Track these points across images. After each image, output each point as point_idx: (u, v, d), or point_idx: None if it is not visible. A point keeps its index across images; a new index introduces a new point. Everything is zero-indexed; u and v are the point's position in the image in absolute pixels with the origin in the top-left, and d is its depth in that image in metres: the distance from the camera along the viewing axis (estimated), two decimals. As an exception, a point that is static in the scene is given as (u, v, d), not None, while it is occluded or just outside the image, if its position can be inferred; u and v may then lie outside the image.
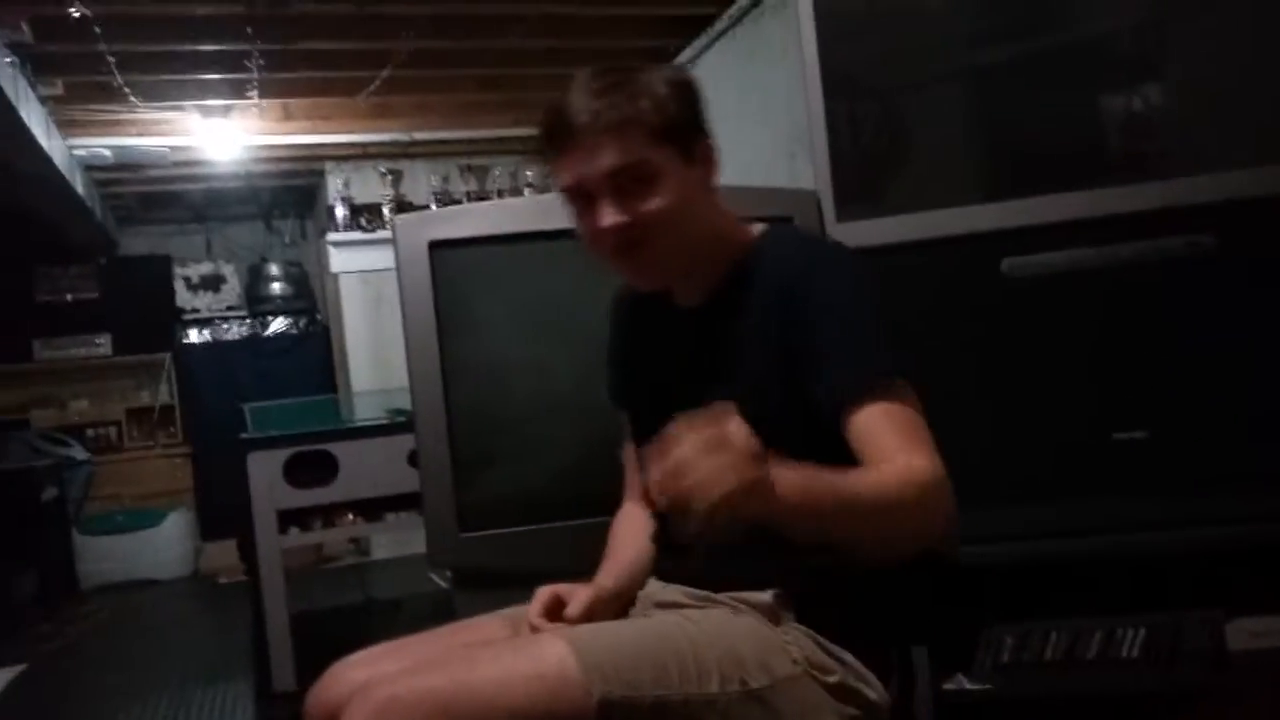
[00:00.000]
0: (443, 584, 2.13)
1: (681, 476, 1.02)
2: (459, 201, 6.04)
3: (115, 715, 3.62)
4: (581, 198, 1.33)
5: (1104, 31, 1.95)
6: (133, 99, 4.44)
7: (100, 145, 5.07)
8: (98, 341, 6.76)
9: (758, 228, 1.43)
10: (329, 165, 6.18)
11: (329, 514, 3.71)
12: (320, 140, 5.53)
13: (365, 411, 4.78)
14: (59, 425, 6.58)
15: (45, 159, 4.34)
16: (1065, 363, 1.88)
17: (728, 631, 1.26)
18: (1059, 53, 1.95)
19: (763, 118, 3.89)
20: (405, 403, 2.19)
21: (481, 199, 6.07)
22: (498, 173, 6.26)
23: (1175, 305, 1.82)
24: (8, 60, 3.64)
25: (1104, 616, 1.83)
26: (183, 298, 7.12)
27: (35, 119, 4.09)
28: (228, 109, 4.88)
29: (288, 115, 5.14)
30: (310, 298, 7.26)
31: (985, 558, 1.74)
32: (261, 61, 4.18)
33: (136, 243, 7.29)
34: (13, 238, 6.00)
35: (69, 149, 4.97)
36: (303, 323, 7.16)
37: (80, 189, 5.26)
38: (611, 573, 1.47)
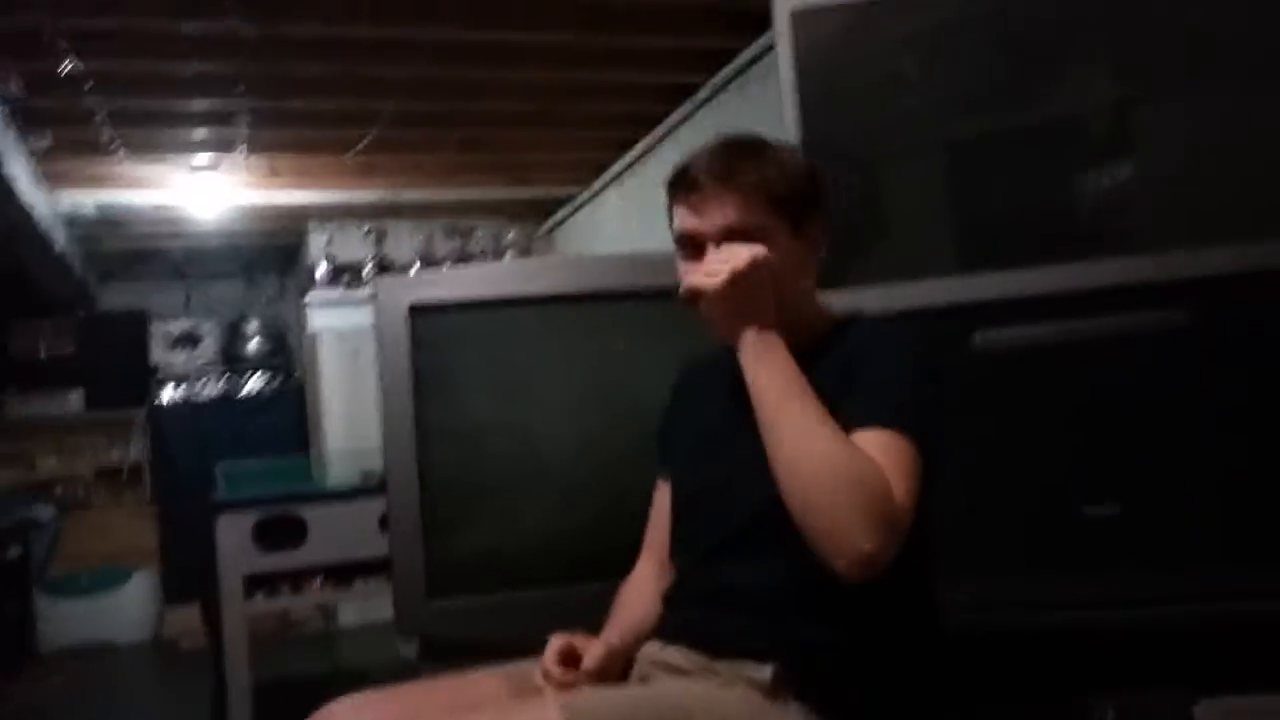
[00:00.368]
0: (410, 652, 2.09)
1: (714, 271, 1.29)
2: (442, 262, 6.06)
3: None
4: (691, 246, 1.41)
5: (1077, 109, 1.98)
6: (121, 154, 4.45)
7: (84, 199, 5.06)
8: (70, 398, 6.66)
9: (842, 315, 1.48)
10: (312, 223, 6.19)
11: (297, 579, 3.64)
12: (305, 198, 5.55)
13: (338, 471, 4.72)
14: (26, 483, 6.47)
15: (26, 212, 4.33)
16: (1037, 436, 1.88)
17: (721, 707, 1.26)
18: (1033, 129, 1.97)
19: (745, 186, 3.92)
20: (379, 463, 2.16)
21: (464, 259, 6.10)
22: (480, 234, 6.29)
23: (1148, 380, 1.82)
24: (-3, 113, 3.65)
25: (1073, 696, 1.80)
26: (159, 354, 7.06)
27: (20, 172, 4.09)
28: (214, 165, 4.89)
29: (274, 172, 5.16)
30: (287, 356, 7.23)
31: (958, 631, 1.71)
32: (250, 119, 4.20)
33: (115, 298, 7.25)
34: (-13, 290, 5.96)
35: (53, 202, 4.95)
36: (278, 381, 7.12)
37: (61, 243, 5.23)
38: (617, 630, 1.48)
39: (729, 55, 3.88)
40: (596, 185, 5.54)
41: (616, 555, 1.89)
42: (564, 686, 1.36)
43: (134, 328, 6.97)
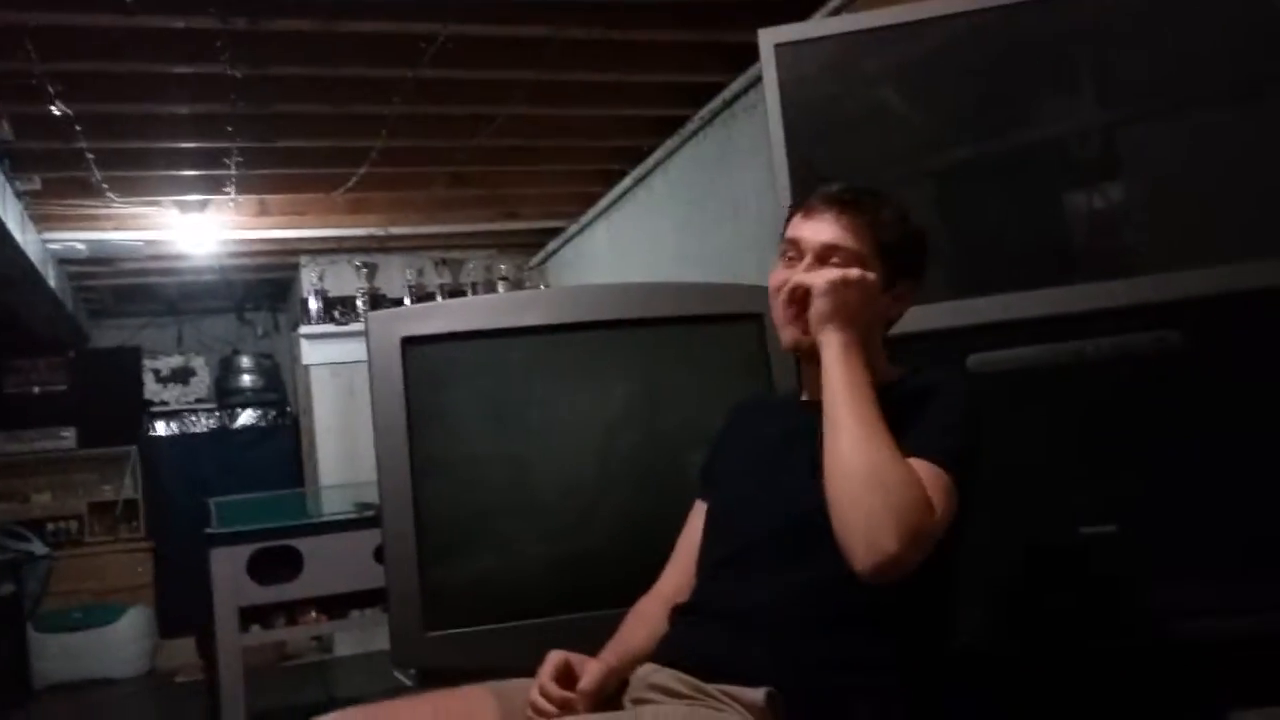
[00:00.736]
0: (407, 682, 2.09)
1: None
2: (433, 294, 6.09)
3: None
4: (793, 253, 1.49)
5: (1066, 132, 2.01)
6: (110, 194, 4.48)
7: (75, 239, 5.08)
8: (63, 434, 6.67)
9: (906, 370, 1.54)
10: (304, 258, 6.22)
11: (292, 611, 3.64)
12: (296, 235, 5.57)
13: (333, 505, 4.73)
14: (19, 519, 6.45)
15: (19, 252, 4.35)
16: (1032, 459, 1.90)
17: None
18: (1022, 153, 2.00)
19: (732, 215, 3.96)
20: (374, 496, 2.17)
21: (456, 292, 6.12)
22: (471, 266, 6.32)
23: (1142, 401, 1.84)
24: (-14, 156, 3.68)
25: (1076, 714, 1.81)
26: (151, 390, 7.07)
27: (10, 214, 4.11)
28: (204, 204, 4.91)
29: (264, 210, 5.19)
30: (280, 390, 7.23)
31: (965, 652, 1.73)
32: (240, 159, 4.23)
33: (107, 335, 7.26)
34: (-19, 330, 5.98)
35: (43, 243, 4.98)
36: (271, 415, 7.12)
37: (53, 282, 5.25)
38: (617, 652, 1.50)
39: (716, 89, 3.93)
40: (586, 218, 5.58)
41: (612, 584, 1.90)
42: (560, 705, 1.37)
43: (126, 364, 6.98)
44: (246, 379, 7.14)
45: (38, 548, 6.29)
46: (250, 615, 3.53)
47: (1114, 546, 1.82)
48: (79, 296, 6.50)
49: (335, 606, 3.67)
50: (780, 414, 1.63)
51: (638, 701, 1.40)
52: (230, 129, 3.87)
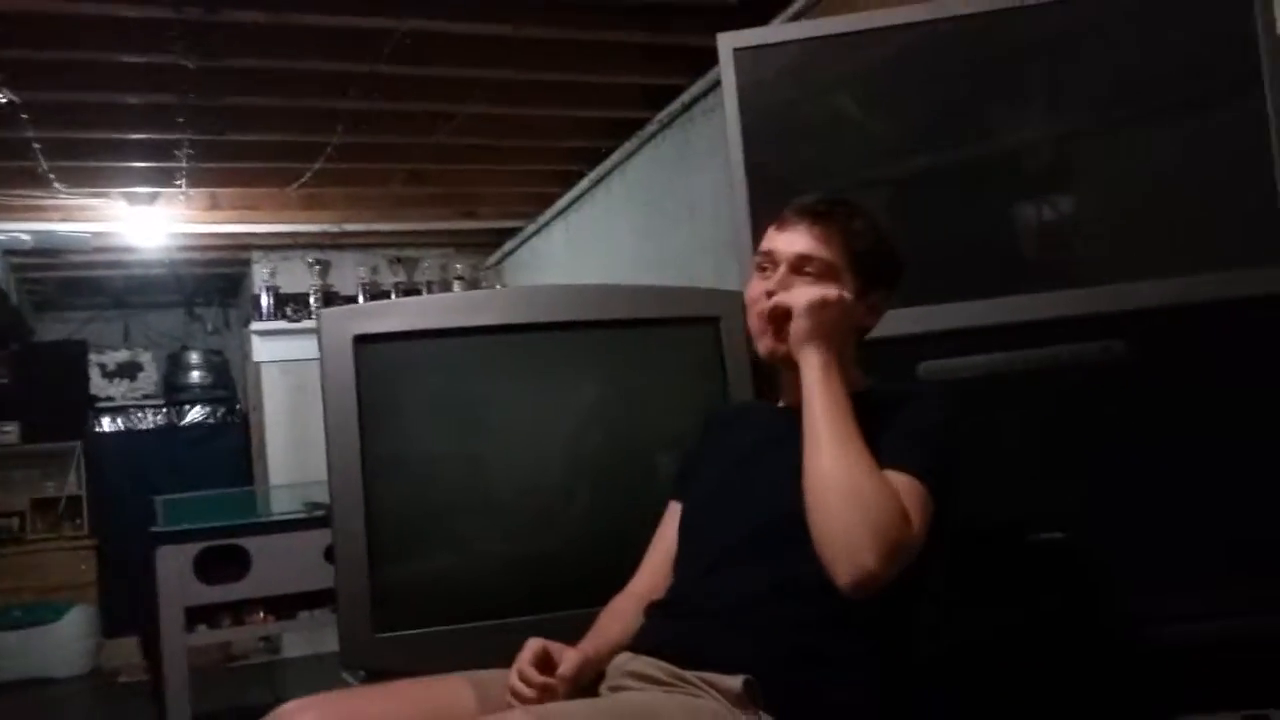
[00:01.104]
0: (355, 684, 2.07)
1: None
2: (387, 293, 6.05)
3: (0, 826, 3.43)
4: (766, 265, 1.52)
5: (1018, 145, 2.03)
6: (57, 185, 4.40)
7: (19, 230, 4.98)
8: (5, 429, 6.52)
9: (878, 383, 1.57)
10: (256, 254, 6.14)
11: (239, 611, 3.60)
12: (248, 229, 5.50)
13: (282, 504, 4.67)
14: (-42, 516, 6.33)
15: (-41, 242, 4.26)
16: (980, 465, 1.91)
17: (690, 714, 1.29)
18: (976, 163, 2.03)
19: (689, 218, 3.97)
20: (324, 496, 2.14)
21: (410, 291, 6.08)
22: (427, 265, 6.28)
23: (1088, 409, 1.87)
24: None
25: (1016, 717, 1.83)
26: (97, 385, 6.95)
27: (-47, 201, 4.03)
28: (154, 197, 4.84)
29: (215, 204, 5.12)
30: (230, 387, 7.14)
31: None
32: (191, 151, 4.18)
33: (52, 328, 7.13)
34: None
35: (-14, 233, 4.88)
36: (221, 412, 7.02)
37: (-5, 273, 5.16)
38: (595, 642, 1.51)
39: (675, 91, 3.94)
40: (543, 218, 5.57)
41: (566, 586, 1.90)
42: (539, 690, 1.39)
43: (72, 358, 6.86)
44: (195, 375, 7.04)
45: (-23, 545, 6.17)
46: (196, 615, 3.48)
47: (1063, 553, 1.85)
48: (23, 289, 6.37)
49: (283, 607, 3.63)
50: (757, 420, 1.66)
51: (615, 689, 1.41)
52: (181, 120, 3.81)
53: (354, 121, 3.95)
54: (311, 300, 5.97)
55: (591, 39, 3.51)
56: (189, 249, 5.85)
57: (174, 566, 3.38)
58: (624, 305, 2.17)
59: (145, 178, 4.56)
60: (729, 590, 1.42)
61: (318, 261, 6.02)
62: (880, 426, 1.39)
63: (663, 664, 1.39)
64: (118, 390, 6.99)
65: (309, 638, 5.40)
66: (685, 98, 3.90)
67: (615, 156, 4.57)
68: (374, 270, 6.19)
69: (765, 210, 2.02)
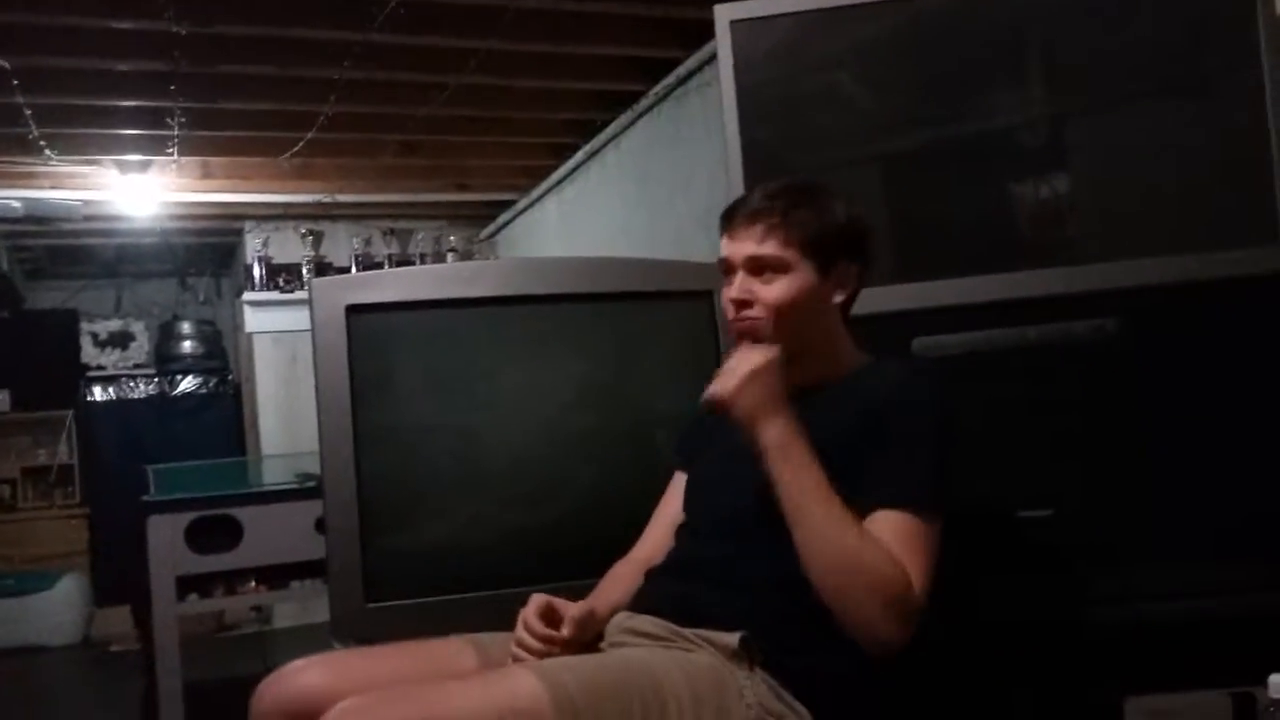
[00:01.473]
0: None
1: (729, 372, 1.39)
2: (380, 264, 6.03)
3: (-8, 792, 3.44)
4: (729, 271, 1.53)
5: (1014, 122, 2.03)
6: (48, 152, 4.37)
7: (10, 197, 4.95)
8: (-4, 397, 6.53)
9: (870, 357, 1.58)
10: (248, 224, 6.12)
11: (231, 580, 3.60)
12: (240, 199, 5.48)
13: (274, 475, 4.68)
14: (-51, 484, 6.33)
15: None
16: (972, 441, 1.92)
17: (688, 672, 1.32)
18: (971, 141, 2.02)
19: (684, 192, 3.96)
20: (316, 466, 2.14)
21: (403, 263, 6.06)
22: (420, 236, 6.26)
23: (1080, 386, 1.87)
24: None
25: (1001, 689, 1.85)
26: (89, 354, 6.93)
27: (-57, 167, 4.00)
28: (146, 165, 4.81)
29: (207, 173, 5.09)
30: (222, 357, 7.13)
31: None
32: (183, 119, 4.14)
33: (44, 297, 7.11)
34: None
35: (-24, 199, 4.85)
36: (213, 382, 7.01)
37: (-14, 240, 5.13)
38: (598, 600, 1.54)
39: (670, 65, 3.92)
40: (537, 191, 5.55)
41: (556, 557, 1.91)
42: (544, 641, 1.42)
43: (63, 327, 6.85)
44: (187, 345, 7.02)
45: (-32, 513, 6.17)
46: (188, 584, 3.48)
47: (1051, 530, 1.85)
48: (14, 257, 6.35)
49: (275, 577, 3.63)
50: None
51: (614, 645, 1.45)
52: (173, 88, 3.78)
53: (347, 91, 3.92)
54: (304, 271, 5.95)
55: (587, 10, 3.49)
56: (181, 218, 5.82)
57: (165, 536, 3.37)
58: (617, 278, 2.17)
59: (137, 145, 4.53)
60: (728, 556, 1.45)
61: (310, 232, 5.99)
62: (873, 419, 1.41)
63: (660, 621, 1.42)
64: (109, 359, 6.97)
65: (300, 608, 5.40)
66: (681, 70, 3.88)
67: (610, 129, 4.55)
68: (367, 242, 6.17)
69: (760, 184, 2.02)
